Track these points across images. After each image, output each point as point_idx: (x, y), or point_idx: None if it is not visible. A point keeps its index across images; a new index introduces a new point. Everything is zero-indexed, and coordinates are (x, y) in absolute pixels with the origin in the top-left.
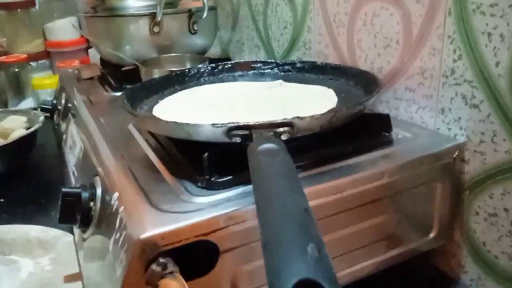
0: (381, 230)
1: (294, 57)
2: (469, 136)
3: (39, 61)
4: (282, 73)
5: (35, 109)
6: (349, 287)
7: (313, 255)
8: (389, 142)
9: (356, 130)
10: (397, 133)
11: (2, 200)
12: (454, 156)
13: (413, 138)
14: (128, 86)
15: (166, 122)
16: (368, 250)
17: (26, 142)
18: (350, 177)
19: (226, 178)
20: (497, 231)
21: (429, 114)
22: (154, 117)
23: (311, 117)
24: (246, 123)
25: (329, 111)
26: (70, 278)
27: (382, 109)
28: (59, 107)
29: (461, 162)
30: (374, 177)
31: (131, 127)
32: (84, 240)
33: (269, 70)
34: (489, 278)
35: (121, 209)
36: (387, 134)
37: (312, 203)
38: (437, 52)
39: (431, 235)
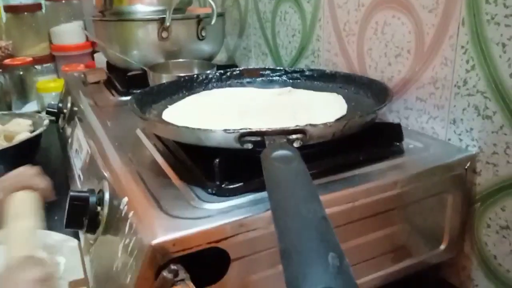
0: (390, 241)
1: (302, 65)
2: (481, 147)
3: (44, 65)
4: (291, 81)
5: (39, 112)
6: None
7: (334, 264)
8: (400, 152)
9: (367, 139)
10: (408, 143)
11: None
12: (466, 167)
13: (424, 149)
14: (135, 91)
15: (177, 127)
16: (377, 262)
17: (30, 145)
18: (362, 186)
19: (237, 185)
20: (509, 245)
21: (440, 124)
22: (165, 121)
23: (324, 124)
24: (258, 129)
25: (342, 119)
26: (75, 284)
27: (392, 118)
28: (65, 110)
29: (472, 174)
30: (386, 187)
31: (138, 131)
32: (90, 245)
33: (277, 78)
34: None
35: (131, 214)
36: (398, 143)
37: None
38: (450, 62)
39: (441, 247)
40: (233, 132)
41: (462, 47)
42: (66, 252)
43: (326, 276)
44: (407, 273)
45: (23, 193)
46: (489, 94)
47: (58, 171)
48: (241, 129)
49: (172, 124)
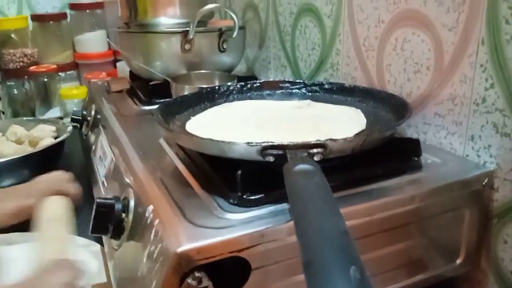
0: (407, 255)
1: (321, 78)
2: (499, 164)
3: (67, 72)
4: (310, 94)
5: (61, 118)
6: None
7: (356, 277)
8: (418, 167)
9: (386, 154)
10: (426, 158)
11: None
12: (484, 183)
13: (442, 164)
14: (157, 100)
15: (202, 139)
16: (393, 275)
17: (54, 151)
18: (380, 200)
19: (258, 196)
20: None
21: (458, 140)
22: (190, 133)
23: (344, 139)
24: (280, 143)
25: (361, 134)
26: None
27: (410, 133)
28: (89, 118)
29: (490, 190)
30: (404, 202)
31: (162, 141)
32: (114, 250)
33: (296, 90)
34: None
35: (156, 221)
36: (416, 158)
37: None
38: (469, 79)
39: (458, 261)
40: (256, 145)
41: (481, 65)
42: (89, 256)
43: None
44: (423, 286)
45: (57, 198)
46: (508, 112)
47: (80, 177)
48: (263, 142)
49: (197, 136)
